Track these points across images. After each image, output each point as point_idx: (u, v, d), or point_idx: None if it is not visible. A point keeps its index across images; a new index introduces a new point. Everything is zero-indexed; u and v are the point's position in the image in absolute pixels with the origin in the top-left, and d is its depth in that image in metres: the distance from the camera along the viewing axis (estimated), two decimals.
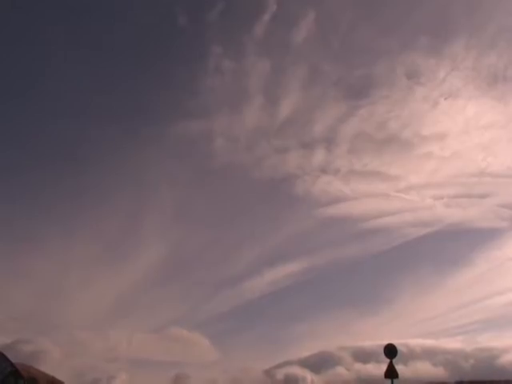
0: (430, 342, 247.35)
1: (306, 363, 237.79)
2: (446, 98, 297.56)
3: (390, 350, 20.05)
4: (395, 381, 20.54)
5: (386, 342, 20.91)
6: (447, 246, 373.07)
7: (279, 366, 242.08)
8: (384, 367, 21.70)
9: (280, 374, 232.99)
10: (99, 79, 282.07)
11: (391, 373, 19.82)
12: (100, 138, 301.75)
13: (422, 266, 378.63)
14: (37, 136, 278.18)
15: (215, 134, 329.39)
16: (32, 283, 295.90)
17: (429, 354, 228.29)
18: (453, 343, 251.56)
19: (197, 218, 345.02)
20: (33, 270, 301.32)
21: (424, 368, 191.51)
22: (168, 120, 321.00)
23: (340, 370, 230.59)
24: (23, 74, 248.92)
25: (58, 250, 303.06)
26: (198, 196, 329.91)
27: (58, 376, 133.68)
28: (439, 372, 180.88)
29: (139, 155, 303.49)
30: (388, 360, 20.32)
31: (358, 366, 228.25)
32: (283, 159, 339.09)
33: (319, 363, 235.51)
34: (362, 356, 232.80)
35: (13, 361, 22.12)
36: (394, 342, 21.06)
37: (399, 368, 20.54)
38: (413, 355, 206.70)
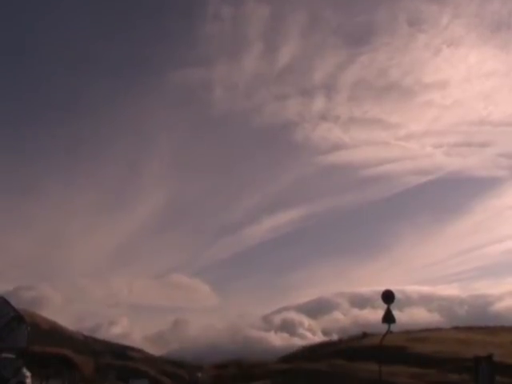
0: (426, 289, 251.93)
1: (304, 309, 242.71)
2: (448, 46, 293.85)
3: (388, 296, 20.35)
4: (392, 326, 20.89)
5: (382, 289, 21.22)
6: (446, 195, 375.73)
7: (277, 311, 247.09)
8: (380, 313, 22.07)
9: (277, 319, 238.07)
10: (97, 28, 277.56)
11: (388, 318, 20.17)
12: (98, 88, 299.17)
13: (421, 214, 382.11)
14: (36, 86, 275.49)
15: (214, 82, 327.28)
16: (33, 231, 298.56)
17: (425, 301, 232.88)
18: (449, 290, 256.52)
19: (196, 166, 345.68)
20: (33, 218, 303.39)
21: (419, 314, 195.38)
22: (166, 68, 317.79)
23: (337, 316, 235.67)
24: (22, 24, 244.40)
25: (59, 198, 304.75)
26: (197, 144, 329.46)
27: (60, 321, 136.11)
28: (434, 318, 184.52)
29: (138, 104, 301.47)
30: (385, 306, 20.63)
31: (355, 311, 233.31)
32: (283, 106, 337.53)
33: (316, 309, 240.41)
34: (359, 302, 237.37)
35: (15, 307, 22.44)
36: (391, 288, 21.37)
37: (395, 314, 20.88)
38: (409, 301, 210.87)
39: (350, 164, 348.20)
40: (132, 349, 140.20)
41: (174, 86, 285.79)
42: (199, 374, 45.02)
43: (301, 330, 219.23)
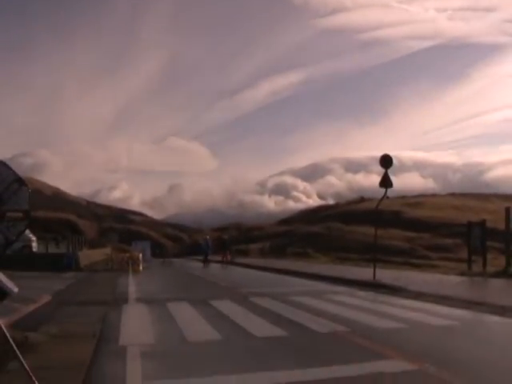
0: (421, 155, 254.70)
1: (299, 173, 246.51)
2: None
3: (386, 161, 20.31)
4: (387, 191, 21.02)
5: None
6: (448, 60, 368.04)
7: (271, 176, 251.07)
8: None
9: (271, 183, 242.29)
10: None
11: (386, 182, 20.28)
12: None
13: (421, 80, 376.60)
14: None
15: None
16: (29, 96, 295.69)
17: (419, 167, 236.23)
18: (444, 157, 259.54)
19: (194, 27, 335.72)
20: (30, 82, 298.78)
21: (413, 179, 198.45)
22: None
23: (331, 180, 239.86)
24: None
25: (56, 61, 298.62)
26: (194, 4, 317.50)
27: (61, 187, 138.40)
28: (428, 184, 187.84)
29: None
30: (380, 171, 20.67)
31: (349, 176, 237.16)
32: None
33: (311, 173, 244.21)
34: (353, 167, 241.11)
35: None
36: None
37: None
38: (403, 167, 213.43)
39: (349, 27, 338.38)
40: (133, 213, 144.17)
41: None
42: (208, 237, 45.95)
43: (295, 193, 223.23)
